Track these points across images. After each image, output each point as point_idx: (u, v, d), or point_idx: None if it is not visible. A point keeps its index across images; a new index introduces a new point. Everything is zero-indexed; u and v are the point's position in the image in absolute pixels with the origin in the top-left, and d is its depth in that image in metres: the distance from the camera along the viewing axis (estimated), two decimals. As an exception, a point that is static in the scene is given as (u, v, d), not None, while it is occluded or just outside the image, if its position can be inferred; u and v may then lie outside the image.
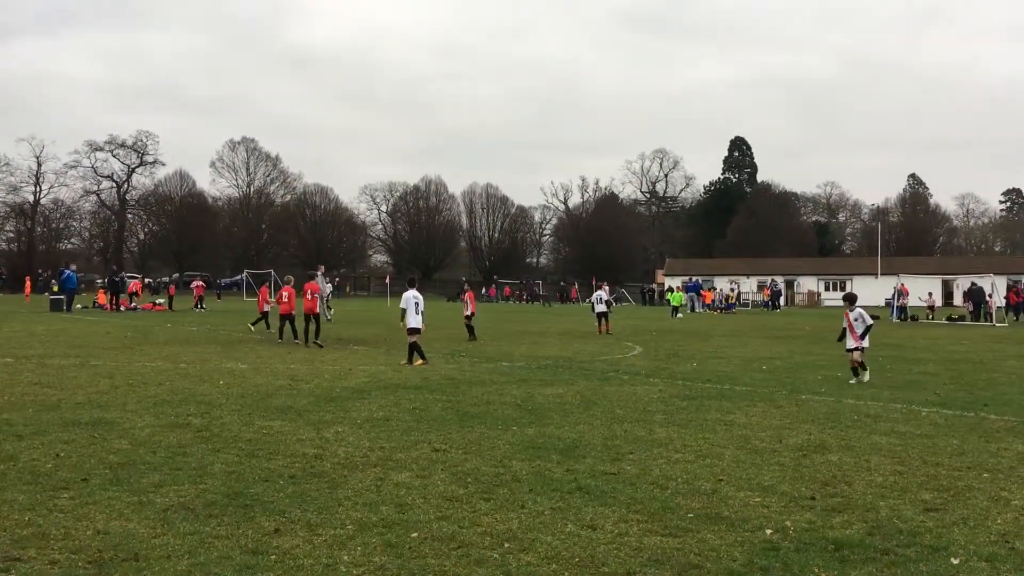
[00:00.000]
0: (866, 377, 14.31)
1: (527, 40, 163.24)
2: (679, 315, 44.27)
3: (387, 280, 71.16)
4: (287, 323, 21.57)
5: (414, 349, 16.51)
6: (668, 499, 6.50)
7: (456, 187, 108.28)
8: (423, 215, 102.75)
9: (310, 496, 6.42)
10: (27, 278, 57.10)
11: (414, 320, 16.66)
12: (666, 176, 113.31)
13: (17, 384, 12.46)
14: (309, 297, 21.24)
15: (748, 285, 70.76)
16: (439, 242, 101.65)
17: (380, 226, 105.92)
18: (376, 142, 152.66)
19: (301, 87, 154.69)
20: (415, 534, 5.52)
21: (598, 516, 6.00)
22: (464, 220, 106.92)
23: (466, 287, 27.72)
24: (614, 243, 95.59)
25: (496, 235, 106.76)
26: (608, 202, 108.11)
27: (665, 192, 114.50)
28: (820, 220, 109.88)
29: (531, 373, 15.28)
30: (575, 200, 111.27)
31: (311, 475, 7.10)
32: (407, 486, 6.77)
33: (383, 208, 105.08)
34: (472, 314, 24.26)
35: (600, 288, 30.41)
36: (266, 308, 25.61)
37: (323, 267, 32.22)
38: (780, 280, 72.70)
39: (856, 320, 14.38)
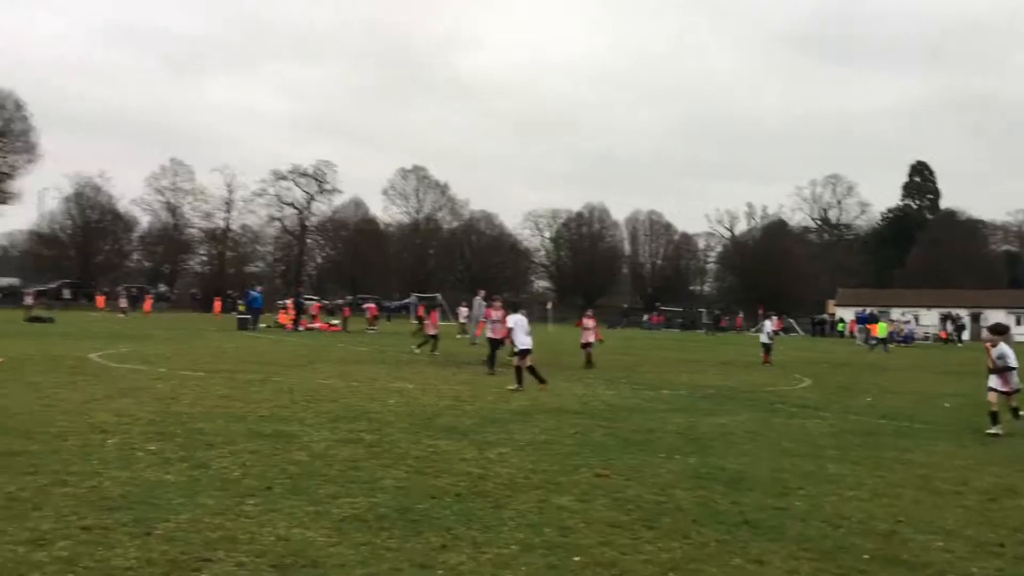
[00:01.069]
0: (1000, 430, 12.00)
1: (693, 64, 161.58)
2: (886, 348, 40.13)
3: (548, 306, 71.71)
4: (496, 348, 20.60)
5: (529, 372, 16.22)
6: (841, 538, 6.26)
7: (619, 213, 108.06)
8: (586, 241, 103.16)
9: (475, 515, 6.60)
10: (217, 298, 61.31)
11: (523, 341, 16.45)
12: (839, 202, 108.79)
13: (208, 396, 13.38)
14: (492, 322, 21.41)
15: (929, 317, 66.85)
16: (601, 269, 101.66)
17: (543, 252, 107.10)
18: (541, 169, 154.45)
19: (469, 116, 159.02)
20: (577, 558, 5.57)
21: (766, 552, 5.86)
22: (627, 247, 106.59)
23: (589, 312, 26.86)
24: (782, 272, 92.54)
25: (659, 262, 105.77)
26: (776, 229, 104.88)
27: (839, 219, 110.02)
28: (1011, 249, 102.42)
29: (693, 402, 15.05)
30: (741, 227, 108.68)
31: (476, 494, 7.29)
32: (569, 510, 6.84)
33: (546, 234, 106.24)
34: (592, 342, 23.47)
35: (767, 318, 29.57)
36: (433, 331, 26.45)
37: (483, 292, 32.67)
38: (964, 313, 68.26)
39: (998, 358, 12.51)
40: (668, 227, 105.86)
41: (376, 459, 8.72)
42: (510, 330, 16.66)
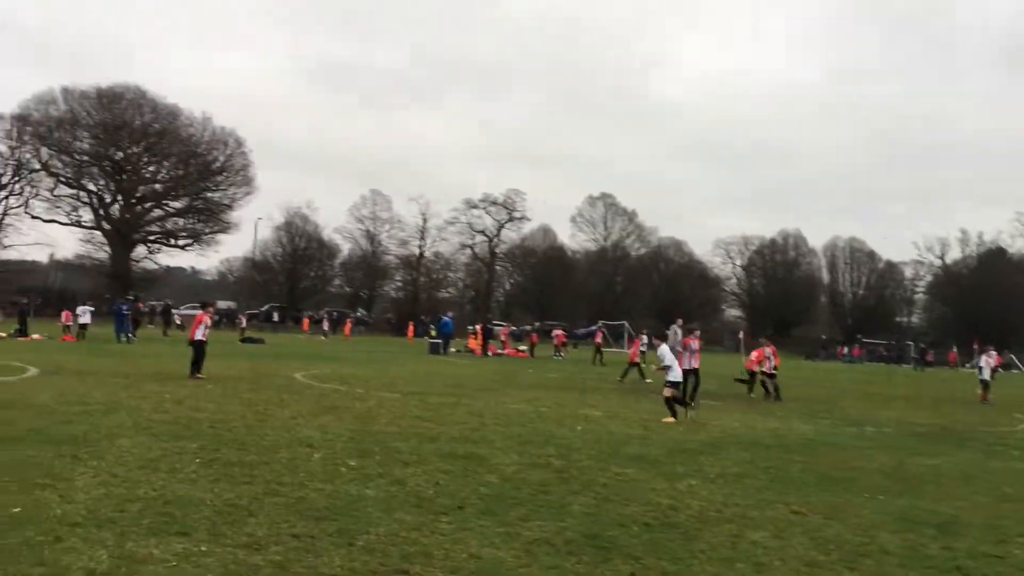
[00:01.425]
0: None
1: (896, 81, 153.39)
2: None
3: (740, 335, 69.74)
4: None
5: (669, 403, 15.58)
6: (1069, 593, 5.71)
7: (816, 240, 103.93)
8: (779, 269, 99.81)
9: (664, 545, 6.50)
10: (410, 323, 63.85)
11: (675, 373, 15.71)
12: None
13: (404, 417, 13.91)
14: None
15: None
16: (796, 298, 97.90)
17: (734, 280, 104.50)
18: (732, 195, 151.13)
19: (658, 142, 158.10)
20: (773, 595, 5.37)
21: (981, 602, 5.42)
22: (824, 275, 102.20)
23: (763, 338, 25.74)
24: (1002, 303, 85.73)
25: (860, 291, 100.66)
26: (994, 257, 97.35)
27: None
28: None
29: (901, 440, 14.16)
30: (954, 255, 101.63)
31: (665, 525, 7.18)
32: (764, 546, 6.60)
33: (737, 261, 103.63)
34: (756, 372, 22.47)
35: (984, 352, 27.45)
36: (637, 360, 26.65)
37: (680, 320, 31.72)
38: None
39: None
40: (871, 255, 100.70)
41: (564, 484, 8.77)
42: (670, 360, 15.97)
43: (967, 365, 63.03)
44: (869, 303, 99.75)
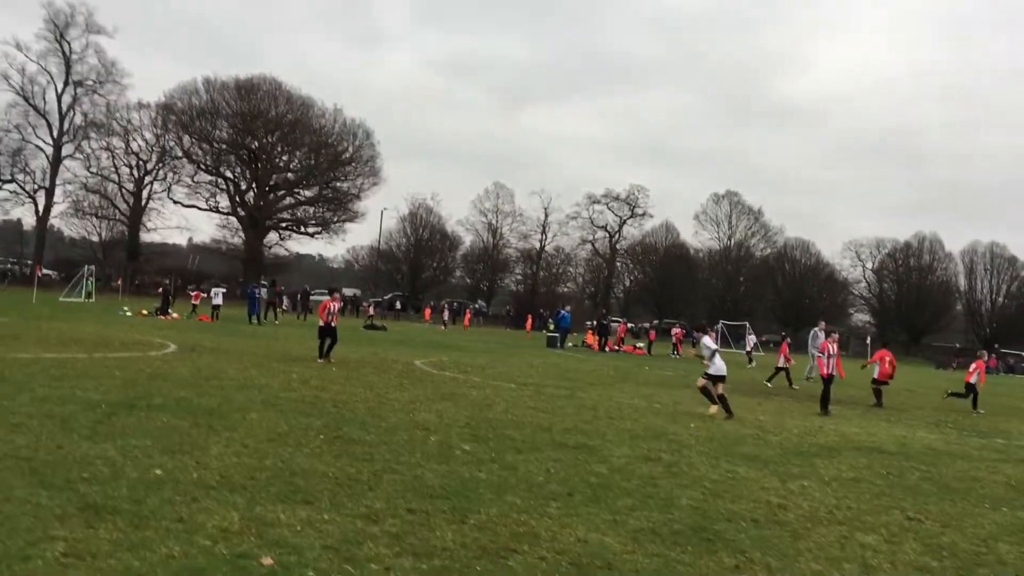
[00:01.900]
0: None
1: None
2: None
3: (867, 340, 67.34)
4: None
5: (719, 397, 15.24)
6: None
7: (954, 245, 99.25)
8: (913, 274, 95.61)
9: (771, 542, 6.51)
10: (528, 316, 64.41)
11: (719, 367, 15.40)
12: None
13: (518, 406, 14.19)
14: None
15: None
16: (930, 304, 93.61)
17: (864, 283, 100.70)
18: (864, 196, 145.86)
19: (786, 139, 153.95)
20: (878, 597, 5.34)
21: (1102, 618, 5.25)
22: (962, 281, 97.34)
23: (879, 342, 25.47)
24: None
25: (1000, 299, 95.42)
26: None
27: None
28: None
29: (1031, 454, 13.53)
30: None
31: (773, 522, 7.17)
32: (873, 549, 6.53)
33: (868, 265, 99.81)
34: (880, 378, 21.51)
35: None
36: (781, 363, 26.20)
37: (823, 323, 30.28)
38: None
39: None
40: (1013, 261, 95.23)
41: (673, 478, 8.83)
42: (713, 353, 15.60)
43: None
44: (1010, 311, 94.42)
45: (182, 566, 4.87)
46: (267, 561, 5.05)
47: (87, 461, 7.21)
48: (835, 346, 18.52)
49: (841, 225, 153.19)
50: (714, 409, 15.21)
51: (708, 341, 15.95)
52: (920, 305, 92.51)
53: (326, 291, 21.05)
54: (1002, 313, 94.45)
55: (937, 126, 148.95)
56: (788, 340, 27.24)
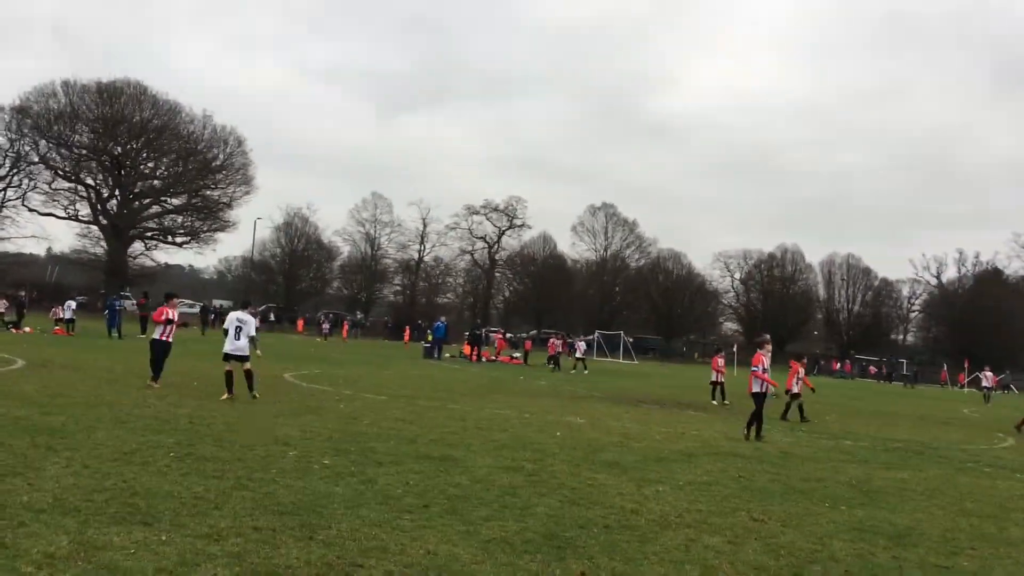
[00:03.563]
0: None
1: (894, 103, 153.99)
2: None
3: (734, 348, 69.94)
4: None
5: (228, 377, 15.13)
6: (1007, 603, 5.84)
7: (814, 256, 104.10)
8: (777, 283, 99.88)
9: (619, 546, 6.63)
10: (407, 327, 63.97)
11: (229, 345, 15.49)
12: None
13: (385, 419, 14.03)
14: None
15: None
16: (793, 312, 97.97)
17: (732, 293, 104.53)
18: (732, 210, 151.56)
19: (659, 155, 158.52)
20: (715, 597, 5.50)
21: (918, 609, 5.56)
22: (821, 291, 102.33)
23: (721, 351, 26.06)
24: (996, 324, 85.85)
25: (856, 308, 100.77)
26: (990, 278, 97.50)
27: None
28: None
29: (875, 455, 14.29)
30: (950, 274, 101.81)
31: (624, 527, 7.31)
32: (716, 550, 6.74)
33: (736, 275, 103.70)
34: (787, 390, 21.53)
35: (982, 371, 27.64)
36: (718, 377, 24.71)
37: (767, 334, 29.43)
38: None
39: None
40: (867, 272, 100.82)
41: (533, 487, 8.89)
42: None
43: (958, 386, 63.16)
44: (865, 320, 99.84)
45: (-4, 596, 4.57)
46: (92, 587, 4.81)
47: (-97, 487, 6.71)
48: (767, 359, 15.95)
49: (712, 238, 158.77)
50: (225, 395, 14.88)
51: (227, 321, 16.05)
52: (784, 313, 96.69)
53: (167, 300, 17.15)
54: (858, 321, 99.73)
55: (796, 144, 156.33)
56: (723, 353, 26.41)
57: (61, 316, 37.27)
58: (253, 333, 15.95)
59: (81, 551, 5.44)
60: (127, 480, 7.60)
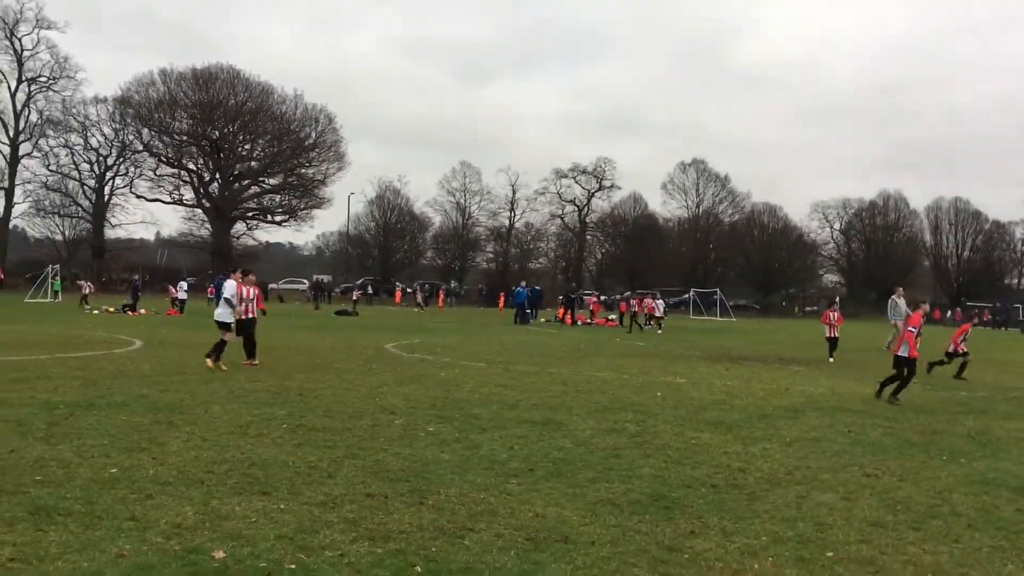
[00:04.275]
0: None
1: (1002, 37, 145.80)
2: None
3: (836, 300, 68.15)
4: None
5: (217, 348, 15.05)
6: None
7: (919, 202, 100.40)
8: (880, 232, 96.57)
9: (728, 505, 6.57)
10: (501, 294, 64.43)
11: (220, 313, 15.34)
12: None
13: (486, 385, 14.19)
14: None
15: None
16: (897, 261, 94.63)
17: (832, 244, 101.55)
18: (828, 157, 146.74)
19: (750, 105, 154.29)
20: (830, 553, 5.40)
21: (1048, 561, 5.35)
22: (928, 237, 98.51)
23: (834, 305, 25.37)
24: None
25: (966, 253, 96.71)
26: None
27: None
28: None
29: (993, 404, 13.76)
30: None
31: (732, 486, 7.24)
32: (829, 507, 6.61)
33: (836, 226, 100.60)
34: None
35: None
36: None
37: (901, 289, 27.94)
38: None
39: None
40: (977, 215, 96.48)
41: (637, 448, 8.88)
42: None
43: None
44: (976, 265, 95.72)
45: (132, 564, 4.82)
46: (219, 554, 5.02)
47: (40, 464, 7.13)
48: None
49: (809, 188, 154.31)
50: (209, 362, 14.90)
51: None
52: (888, 263, 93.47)
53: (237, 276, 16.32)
54: (968, 267, 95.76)
55: (897, 85, 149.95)
56: (835, 307, 24.96)
57: (176, 296, 38.89)
58: (227, 295, 15.45)
59: (206, 521, 5.69)
60: (244, 452, 7.91)
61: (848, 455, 8.83)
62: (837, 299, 40.29)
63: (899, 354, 13.68)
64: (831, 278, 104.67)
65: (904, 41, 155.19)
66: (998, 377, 19.33)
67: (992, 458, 8.84)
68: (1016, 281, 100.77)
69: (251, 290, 16.25)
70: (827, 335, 23.42)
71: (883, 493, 7.11)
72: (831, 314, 23.87)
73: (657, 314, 39.14)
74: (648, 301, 41.44)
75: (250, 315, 16.05)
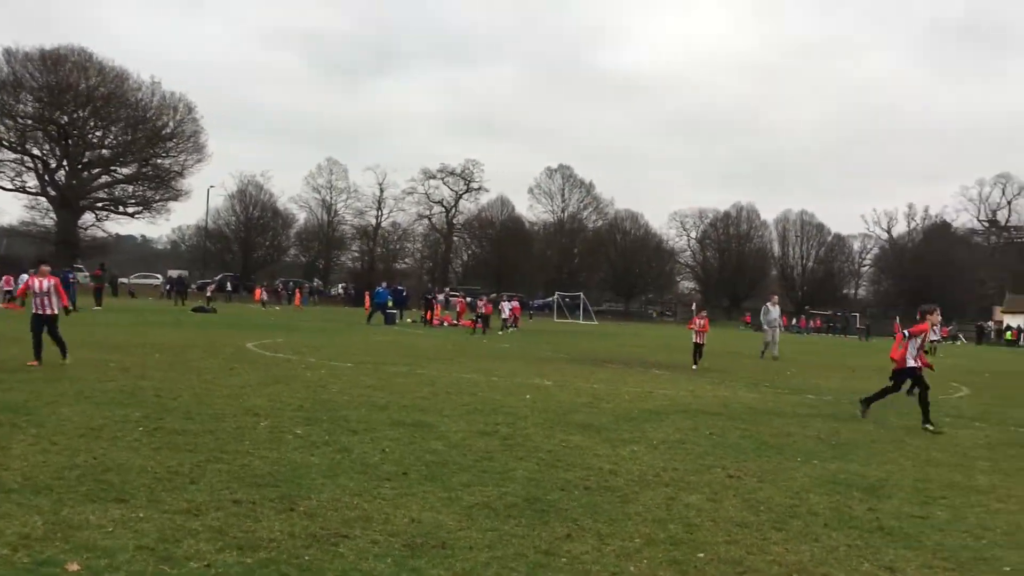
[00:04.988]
0: None
1: (847, 59, 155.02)
2: None
3: (693, 306, 70.74)
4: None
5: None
6: (983, 549, 5.97)
7: (768, 214, 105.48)
8: (733, 242, 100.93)
9: (602, 508, 6.65)
10: (367, 293, 63.59)
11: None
12: (1009, 203, 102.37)
13: (355, 386, 13.92)
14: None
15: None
16: (748, 269, 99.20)
17: (689, 252, 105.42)
18: (688, 168, 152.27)
19: (616, 114, 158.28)
20: (701, 554, 5.54)
21: (899, 559, 5.66)
22: (776, 248, 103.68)
23: (702, 312, 24.25)
24: (944, 276, 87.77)
25: (810, 264, 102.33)
26: (939, 231, 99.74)
27: (1008, 221, 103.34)
28: None
29: (839, 408, 14.53)
30: (900, 229, 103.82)
31: (604, 488, 7.34)
32: (697, 508, 6.79)
33: (692, 234, 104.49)
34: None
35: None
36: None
37: (775, 296, 28.45)
38: None
39: None
40: (820, 228, 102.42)
41: (510, 451, 8.88)
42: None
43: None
44: (818, 275, 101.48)
45: (-26, 580, 4.44)
46: (73, 567, 4.68)
47: None
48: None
49: (669, 197, 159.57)
50: None
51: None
52: (740, 271, 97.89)
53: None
54: (812, 277, 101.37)
55: (753, 100, 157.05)
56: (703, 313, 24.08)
57: (9, 288, 36.47)
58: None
59: (57, 531, 5.30)
60: (98, 456, 7.44)
61: (711, 456, 9.11)
62: (694, 305, 41.82)
63: (904, 367, 12.72)
64: (687, 284, 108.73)
65: (756, 58, 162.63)
66: (843, 383, 20.45)
67: (842, 459, 9.31)
68: (854, 291, 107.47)
69: (44, 282, 14.88)
70: (694, 340, 22.54)
71: (746, 494, 7.37)
72: (697, 320, 23.20)
73: (504, 315, 40.05)
74: (506, 304, 42.08)
75: (48, 311, 14.87)
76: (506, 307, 41.80)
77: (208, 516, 5.84)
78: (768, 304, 26.84)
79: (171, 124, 77.53)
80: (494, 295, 48.81)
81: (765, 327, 27.86)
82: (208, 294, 50.37)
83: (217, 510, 6.00)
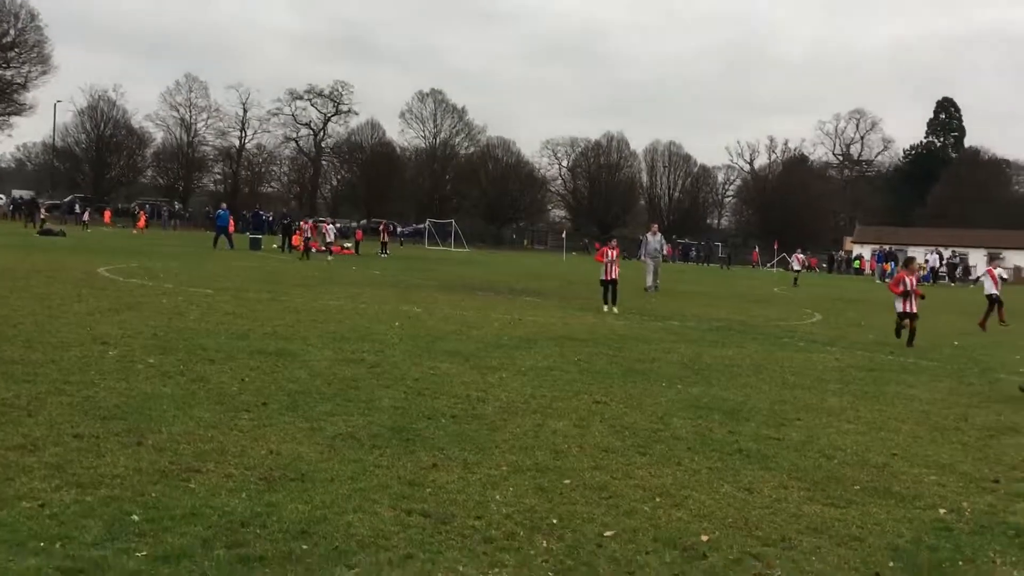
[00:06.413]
0: None
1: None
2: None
3: (563, 235, 71.67)
4: None
5: None
6: (834, 469, 6.21)
7: (638, 144, 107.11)
8: (603, 171, 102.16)
9: (469, 436, 6.56)
10: (230, 218, 61.30)
11: None
12: (862, 138, 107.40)
13: (214, 313, 13.35)
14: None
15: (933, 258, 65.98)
16: (618, 199, 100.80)
17: (560, 181, 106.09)
18: (560, 97, 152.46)
19: (488, 41, 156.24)
20: (567, 481, 5.53)
21: (756, 480, 5.82)
22: (644, 178, 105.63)
23: (613, 242, 20.55)
24: (801, 207, 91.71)
25: (676, 194, 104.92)
26: (797, 164, 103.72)
27: (860, 155, 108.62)
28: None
29: (701, 334, 14.97)
30: (761, 161, 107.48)
31: (472, 417, 7.25)
32: (564, 434, 6.80)
33: (564, 163, 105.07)
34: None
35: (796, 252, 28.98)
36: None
37: (655, 225, 27.92)
38: (978, 253, 67.53)
39: None
40: (687, 159, 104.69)
41: (376, 379, 8.69)
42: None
43: (768, 265, 67.49)
44: (684, 205, 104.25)
45: None
46: None
47: None
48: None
49: (541, 125, 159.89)
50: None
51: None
52: (609, 200, 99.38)
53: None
54: (679, 207, 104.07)
55: (625, 30, 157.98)
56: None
57: None
58: None
59: None
60: (-80, 390, 6.82)
61: (579, 383, 9.17)
62: (613, 240, 40.97)
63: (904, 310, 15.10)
64: (559, 212, 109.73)
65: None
66: (704, 308, 21.10)
67: (704, 384, 9.55)
68: (717, 221, 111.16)
69: None
70: (603, 276, 19.18)
71: (612, 419, 7.44)
72: (608, 251, 19.64)
73: (329, 239, 38.43)
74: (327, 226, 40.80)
75: None
76: (330, 230, 40.44)
77: (46, 452, 5.43)
78: (648, 235, 26.54)
79: (12, 33, 71.58)
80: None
81: (645, 258, 27.15)
82: (42, 216, 47.27)
83: (56, 445, 5.59)
